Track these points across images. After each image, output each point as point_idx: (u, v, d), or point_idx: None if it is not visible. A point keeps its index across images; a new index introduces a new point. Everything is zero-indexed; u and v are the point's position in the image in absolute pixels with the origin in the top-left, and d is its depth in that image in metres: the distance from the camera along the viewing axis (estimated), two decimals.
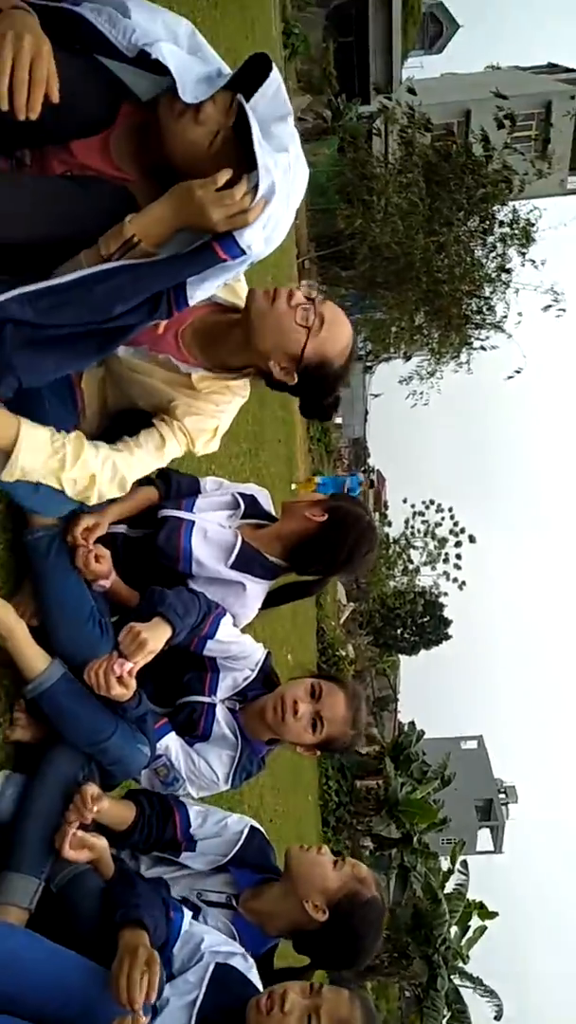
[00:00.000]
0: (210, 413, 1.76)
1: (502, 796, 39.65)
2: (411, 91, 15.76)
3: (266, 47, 10.21)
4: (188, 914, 1.68)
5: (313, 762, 12.36)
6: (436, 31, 31.31)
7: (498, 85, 16.01)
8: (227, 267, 1.51)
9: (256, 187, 1.41)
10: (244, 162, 1.42)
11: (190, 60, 1.46)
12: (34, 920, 1.56)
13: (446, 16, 31.51)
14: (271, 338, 1.68)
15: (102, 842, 1.66)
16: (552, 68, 27.32)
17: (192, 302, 1.54)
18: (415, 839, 15.63)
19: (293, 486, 9.05)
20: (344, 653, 16.08)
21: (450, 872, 17.01)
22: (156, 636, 1.64)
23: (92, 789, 1.65)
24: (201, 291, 1.53)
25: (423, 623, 31.44)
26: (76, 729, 1.66)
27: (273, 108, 1.46)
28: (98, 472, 1.55)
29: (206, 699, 1.91)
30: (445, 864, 17.25)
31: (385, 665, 26.77)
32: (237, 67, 1.49)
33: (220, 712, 1.91)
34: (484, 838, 38.36)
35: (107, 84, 1.48)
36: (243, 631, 1.96)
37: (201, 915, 1.78)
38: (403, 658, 32.60)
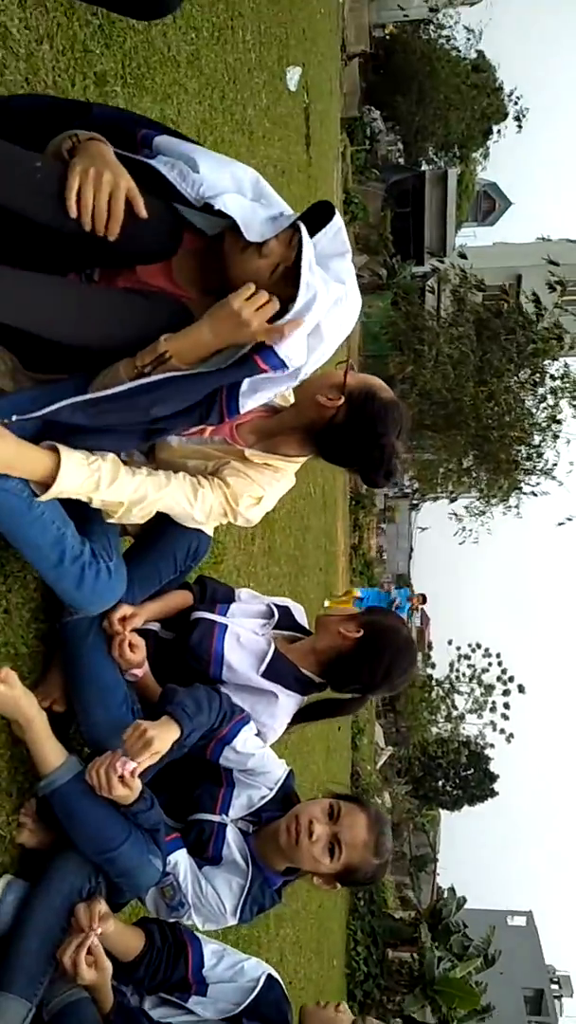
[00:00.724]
0: (258, 481, 1.81)
1: (555, 987, 35.21)
2: (463, 256, 16.92)
3: None
4: None
5: (341, 923, 11.35)
6: (489, 206, 33.94)
7: (549, 253, 17.02)
8: (275, 380, 1.60)
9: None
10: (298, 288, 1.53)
11: (253, 206, 1.61)
12: None
13: (499, 194, 34.23)
14: (315, 380, 1.77)
15: (109, 965, 1.54)
16: None
17: (243, 410, 1.64)
18: None
19: (327, 603, 8.51)
20: (380, 801, 15.16)
21: None
22: (163, 736, 1.58)
23: (100, 906, 1.55)
24: (252, 401, 1.64)
25: (467, 776, 29.53)
26: (85, 833, 1.59)
27: (333, 246, 1.63)
28: (127, 499, 1.59)
29: (216, 818, 1.80)
30: None
31: (424, 820, 24.97)
32: (303, 211, 1.64)
33: (231, 834, 1.80)
34: None
35: (174, 222, 1.63)
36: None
37: None
38: (444, 813, 30.48)
